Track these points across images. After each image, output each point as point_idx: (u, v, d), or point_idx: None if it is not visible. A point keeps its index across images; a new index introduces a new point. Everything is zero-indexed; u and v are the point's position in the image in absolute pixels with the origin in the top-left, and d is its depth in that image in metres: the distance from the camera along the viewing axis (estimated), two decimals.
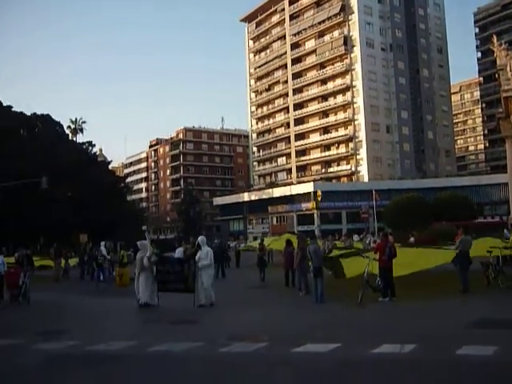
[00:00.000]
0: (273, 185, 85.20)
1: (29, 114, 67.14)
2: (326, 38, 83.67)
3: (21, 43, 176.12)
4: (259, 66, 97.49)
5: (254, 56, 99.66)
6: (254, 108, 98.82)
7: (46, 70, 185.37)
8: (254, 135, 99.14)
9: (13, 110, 67.85)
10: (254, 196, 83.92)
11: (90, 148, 72.70)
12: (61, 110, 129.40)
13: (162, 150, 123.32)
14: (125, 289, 20.38)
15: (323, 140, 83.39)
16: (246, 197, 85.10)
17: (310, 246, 14.78)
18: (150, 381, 6.70)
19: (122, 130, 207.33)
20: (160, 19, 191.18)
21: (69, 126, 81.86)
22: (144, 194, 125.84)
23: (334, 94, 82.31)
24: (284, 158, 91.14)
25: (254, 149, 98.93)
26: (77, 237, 45.62)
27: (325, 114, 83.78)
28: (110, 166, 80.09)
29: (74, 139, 79.27)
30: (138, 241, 16.10)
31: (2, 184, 41.98)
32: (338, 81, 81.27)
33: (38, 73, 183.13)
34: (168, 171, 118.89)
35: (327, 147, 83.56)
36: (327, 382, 6.51)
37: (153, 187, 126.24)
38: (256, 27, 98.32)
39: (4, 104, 69.51)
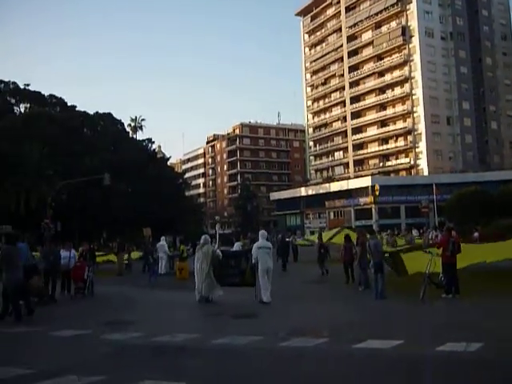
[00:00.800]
0: (330, 179, 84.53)
1: (91, 113, 69.46)
2: (383, 28, 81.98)
3: (83, 45, 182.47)
4: (315, 60, 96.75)
5: (310, 50, 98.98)
6: (310, 102, 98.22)
7: (107, 70, 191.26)
8: (311, 129, 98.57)
9: (77, 109, 70.46)
10: (310, 191, 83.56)
11: (150, 145, 74.52)
12: (121, 109, 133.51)
13: (219, 145, 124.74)
14: (185, 282, 20.83)
15: (381, 133, 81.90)
16: (302, 191, 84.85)
17: (371, 240, 14.57)
18: (212, 372, 6.84)
19: (180, 127, 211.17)
20: (214, 15, 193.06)
21: (129, 124, 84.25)
22: (202, 190, 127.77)
23: (391, 86, 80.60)
24: (341, 152, 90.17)
25: (311, 143, 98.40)
26: (139, 231, 46.82)
27: (382, 106, 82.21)
28: (168, 163, 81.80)
29: (134, 137, 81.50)
30: (202, 235, 16.33)
31: (67, 181, 43.74)
32: (396, 72, 79.51)
33: (101, 73, 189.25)
34: (225, 167, 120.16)
35: (385, 140, 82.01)
36: (395, 380, 6.41)
37: (210, 182, 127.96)
38: (311, 21, 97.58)
39: (69, 104, 72.30)
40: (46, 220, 36.90)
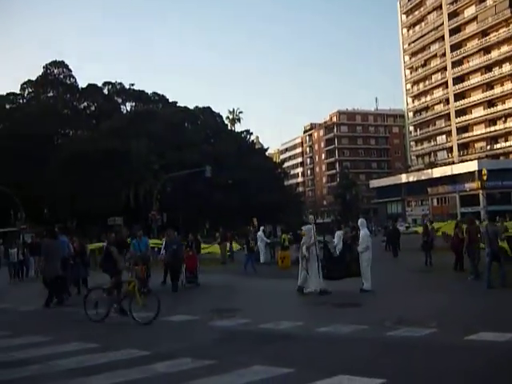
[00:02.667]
0: (432, 165, 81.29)
1: (192, 107, 71.81)
2: (488, 2, 76.92)
3: (181, 43, 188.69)
4: (413, 41, 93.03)
5: (408, 31, 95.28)
6: (409, 85, 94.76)
7: (205, 65, 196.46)
8: (411, 114, 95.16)
9: (178, 105, 73.21)
10: (412, 177, 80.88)
11: (248, 136, 75.75)
12: (219, 102, 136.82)
13: (316, 134, 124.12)
14: (287, 271, 21.09)
15: (488, 114, 77.24)
16: (403, 178, 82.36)
17: (489, 226, 13.78)
18: (319, 359, 6.90)
19: (277, 117, 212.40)
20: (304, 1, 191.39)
21: (227, 117, 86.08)
22: (300, 179, 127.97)
23: (499, 62, 75.58)
24: (444, 137, 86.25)
25: (411, 128, 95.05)
26: (241, 221, 47.71)
27: (489, 85, 77.41)
28: (266, 153, 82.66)
29: (233, 129, 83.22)
30: (302, 224, 16.36)
31: (171, 174, 45.69)
32: (504, 48, 74.39)
33: (200, 69, 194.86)
34: (323, 155, 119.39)
35: (493, 122, 77.26)
36: None
37: (308, 172, 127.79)
38: (408, 0, 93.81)
39: (170, 100, 75.30)
40: (153, 212, 38.82)
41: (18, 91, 73.67)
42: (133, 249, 15.31)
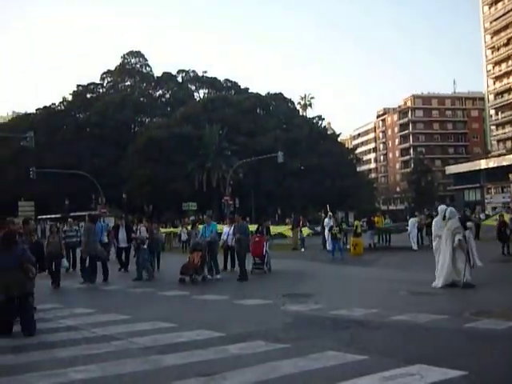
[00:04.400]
0: None
1: (263, 93, 71.90)
2: None
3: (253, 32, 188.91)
4: (495, 19, 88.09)
5: (489, 8, 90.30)
6: (490, 66, 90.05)
7: (277, 52, 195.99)
8: (491, 96, 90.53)
9: (249, 91, 73.54)
10: (492, 163, 77.13)
11: (320, 122, 75.00)
12: (291, 88, 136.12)
13: (389, 119, 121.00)
14: (359, 258, 20.82)
15: None
16: (482, 164, 78.70)
17: None
18: (394, 348, 6.75)
19: (349, 102, 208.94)
20: None
21: (299, 103, 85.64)
22: (373, 165, 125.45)
23: None
24: None
25: (492, 111, 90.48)
26: (313, 207, 47.53)
27: None
28: (338, 139, 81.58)
29: (304, 114, 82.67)
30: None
31: (243, 160, 46.09)
32: None
33: (271, 55, 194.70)
34: (397, 141, 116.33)
35: None
36: None
37: (381, 157, 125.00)
38: None
39: (242, 87, 75.80)
40: (226, 197, 39.38)
41: (97, 81, 76.79)
42: (199, 234, 15.66)
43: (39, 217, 41.58)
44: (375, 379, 5.31)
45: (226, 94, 73.59)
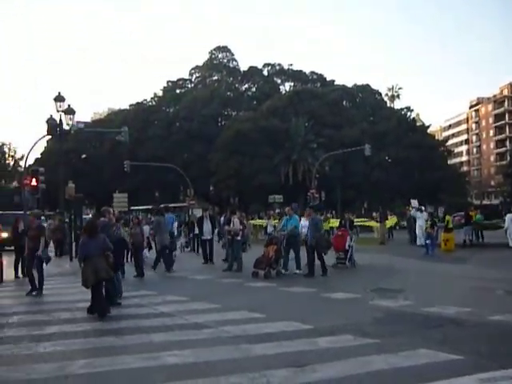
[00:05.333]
0: None
1: (350, 85, 70.79)
2: None
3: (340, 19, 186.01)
4: None
5: None
6: None
7: (364, 43, 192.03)
8: None
9: (335, 83, 72.71)
10: None
11: (408, 113, 72.71)
12: (379, 79, 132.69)
13: (483, 109, 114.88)
14: (450, 254, 20.04)
15: None
16: None
17: None
18: (491, 349, 6.44)
19: (439, 93, 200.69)
20: None
21: (386, 94, 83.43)
22: (465, 158, 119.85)
23: None
24: None
25: None
26: (400, 201, 46.27)
27: None
28: (428, 130, 78.69)
29: (392, 106, 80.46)
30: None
31: (329, 153, 45.68)
32: None
33: (359, 46, 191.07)
34: (491, 132, 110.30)
35: None
36: None
37: (474, 150, 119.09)
38: None
39: (328, 79, 75.07)
40: (312, 190, 39.24)
41: (186, 77, 79.05)
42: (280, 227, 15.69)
43: (132, 208, 43.55)
44: (472, 381, 5.11)
45: (312, 86, 73.14)
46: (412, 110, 73.96)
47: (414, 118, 74.12)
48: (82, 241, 9.44)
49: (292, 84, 76.70)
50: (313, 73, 76.29)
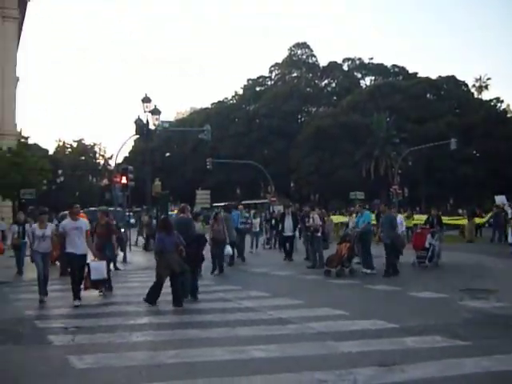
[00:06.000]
0: None
1: (434, 77, 68.31)
2: None
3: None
4: None
5: None
6: None
7: (447, 34, 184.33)
8: None
9: (418, 76, 70.43)
10: None
11: (498, 104, 69.04)
12: (465, 70, 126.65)
13: None
14: None
15: None
16: None
17: None
18: None
19: None
20: None
21: (473, 85, 79.62)
22: None
23: None
24: None
25: None
26: (489, 197, 44.04)
27: None
28: None
29: (480, 97, 76.74)
30: None
31: (413, 148, 44.36)
32: None
33: (443, 37, 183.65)
34: None
35: None
36: None
37: None
38: None
39: (410, 72, 72.86)
40: (394, 186, 38.31)
41: (266, 74, 79.59)
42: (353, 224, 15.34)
43: (214, 204, 44.55)
44: None
45: (394, 80, 71.26)
46: (502, 101, 70.09)
47: (504, 110, 70.29)
48: (159, 237, 9.98)
49: (373, 78, 75.13)
50: (394, 66, 74.29)
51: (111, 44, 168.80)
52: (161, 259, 9.59)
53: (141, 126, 22.00)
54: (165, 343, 6.76)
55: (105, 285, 10.80)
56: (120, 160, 48.19)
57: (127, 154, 70.86)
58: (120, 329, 7.71)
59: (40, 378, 5.54)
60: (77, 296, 9.64)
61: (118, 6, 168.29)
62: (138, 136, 25.54)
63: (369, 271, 13.83)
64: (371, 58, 74.89)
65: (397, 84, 66.86)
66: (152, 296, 9.54)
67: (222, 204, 46.48)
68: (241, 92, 79.22)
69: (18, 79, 40.66)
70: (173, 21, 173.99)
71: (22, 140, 45.41)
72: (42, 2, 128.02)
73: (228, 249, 15.23)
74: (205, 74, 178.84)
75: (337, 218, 28.39)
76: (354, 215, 19.48)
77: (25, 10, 40.66)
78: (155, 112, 21.82)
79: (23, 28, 42.52)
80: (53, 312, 9.33)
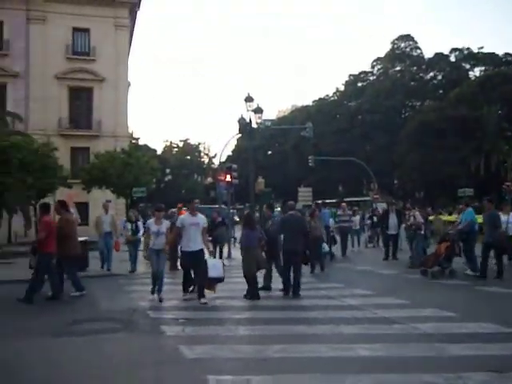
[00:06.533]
0: None
1: None
2: None
3: None
4: None
5: None
6: None
7: None
8: None
9: None
10: None
11: None
12: None
13: None
14: None
15: None
16: None
17: None
18: None
19: None
20: None
21: None
22: None
23: None
24: None
25: None
26: None
27: None
28: None
29: None
30: None
31: None
32: None
33: None
34: None
35: None
36: None
37: None
38: None
39: None
40: (507, 183, 36.00)
41: (368, 69, 78.06)
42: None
43: (316, 202, 44.51)
44: None
45: (506, 69, 66.86)
46: None
47: None
48: (244, 232, 10.33)
49: (483, 68, 71.02)
50: (507, 54, 69.71)
51: (215, 45, 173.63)
52: (247, 254, 9.87)
53: (244, 125, 22.52)
54: (271, 338, 6.91)
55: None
56: (224, 158, 49.77)
57: (230, 153, 72.75)
58: (227, 322, 8.02)
59: (154, 364, 5.92)
60: (186, 290, 10.01)
61: (221, 6, 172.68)
62: (241, 135, 26.16)
63: (472, 273, 12.88)
64: (481, 48, 70.91)
65: (509, 74, 62.74)
66: (252, 293, 9.91)
67: (327, 201, 46.48)
68: (342, 88, 78.38)
69: (129, 84, 43.12)
70: (289, 20, 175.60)
71: (134, 141, 48.15)
72: (149, 11, 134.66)
73: (325, 246, 15.17)
74: (306, 72, 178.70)
75: (445, 217, 27.22)
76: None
77: (135, 18, 43.08)
78: (258, 111, 22.22)
79: (133, 35, 45.02)
80: (164, 304, 9.85)
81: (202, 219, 10.05)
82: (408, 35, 75.81)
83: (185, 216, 10.26)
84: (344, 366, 5.63)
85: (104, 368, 5.80)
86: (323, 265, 14.69)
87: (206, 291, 9.87)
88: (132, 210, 17.15)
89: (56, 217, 11.39)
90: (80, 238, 15.96)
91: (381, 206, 31.13)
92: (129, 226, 15.40)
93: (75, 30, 39.14)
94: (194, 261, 9.77)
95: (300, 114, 72.35)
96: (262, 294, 10.36)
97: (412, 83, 71.81)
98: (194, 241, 9.72)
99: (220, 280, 10.14)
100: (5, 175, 17.92)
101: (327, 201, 47.19)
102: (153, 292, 10.16)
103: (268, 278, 11.03)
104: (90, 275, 14.19)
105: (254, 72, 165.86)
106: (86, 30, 39.31)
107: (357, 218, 23.45)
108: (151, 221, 10.46)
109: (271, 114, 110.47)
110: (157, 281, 10.09)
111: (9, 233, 28.62)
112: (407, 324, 7.54)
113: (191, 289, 10.43)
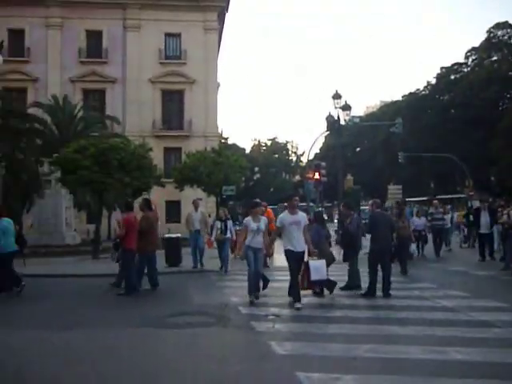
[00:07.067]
0: None
1: None
2: None
3: None
4: None
5: None
6: None
7: None
8: None
9: None
10: None
11: None
12: None
13: None
14: None
15: None
16: None
17: None
18: None
19: None
20: None
21: None
22: None
23: None
24: None
25: None
26: None
27: None
28: None
29: None
30: None
31: None
32: None
33: None
34: None
35: None
36: None
37: None
38: None
39: None
40: None
41: (462, 60, 74.53)
42: None
43: (407, 199, 43.35)
44: None
45: None
46: None
47: None
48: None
49: None
50: None
51: (301, 44, 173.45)
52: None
53: (332, 122, 22.40)
54: (361, 337, 6.86)
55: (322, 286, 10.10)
56: (312, 156, 49.62)
57: (318, 151, 72.40)
58: (317, 320, 8.05)
59: (246, 359, 6.09)
60: (297, 298, 9.11)
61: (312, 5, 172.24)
62: (329, 132, 26.00)
63: None
64: None
65: None
66: (349, 286, 10.64)
67: (417, 199, 44.98)
68: (433, 82, 75.40)
69: (218, 85, 44.11)
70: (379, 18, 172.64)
71: (223, 141, 49.10)
72: (237, 12, 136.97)
73: (413, 248, 14.57)
74: (395, 67, 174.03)
75: None
76: None
77: (223, 20, 44.01)
78: (346, 108, 21.99)
79: (222, 36, 46.00)
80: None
81: (303, 217, 9.30)
82: (505, 22, 71.58)
83: (284, 215, 9.44)
84: (435, 370, 5.47)
85: (199, 359, 6.06)
86: (405, 267, 13.65)
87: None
88: (222, 208, 17.18)
89: (139, 214, 11.68)
90: (172, 235, 16.66)
91: (476, 204, 29.70)
92: (218, 224, 15.20)
93: (167, 35, 40.77)
94: (297, 262, 9.18)
95: (389, 110, 70.59)
96: (349, 293, 10.33)
97: (510, 73, 67.74)
98: (297, 241, 9.04)
99: (323, 282, 9.81)
100: (105, 175, 19.00)
101: (415, 199, 45.90)
102: (250, 292, 9.70)
103: (354, 276, 10.92)
104: (182, 271, 14.76)
105: (342, 69, 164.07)
106: (178, 35, 40.80)
107: (448, 217, 22.52)
108: (249, 218, 9.87)
109: (359, 110, 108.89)
110: (253, 281, 9.67)
111: (108, 229, 30.30)
112: (507, 328, 7.20)
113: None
